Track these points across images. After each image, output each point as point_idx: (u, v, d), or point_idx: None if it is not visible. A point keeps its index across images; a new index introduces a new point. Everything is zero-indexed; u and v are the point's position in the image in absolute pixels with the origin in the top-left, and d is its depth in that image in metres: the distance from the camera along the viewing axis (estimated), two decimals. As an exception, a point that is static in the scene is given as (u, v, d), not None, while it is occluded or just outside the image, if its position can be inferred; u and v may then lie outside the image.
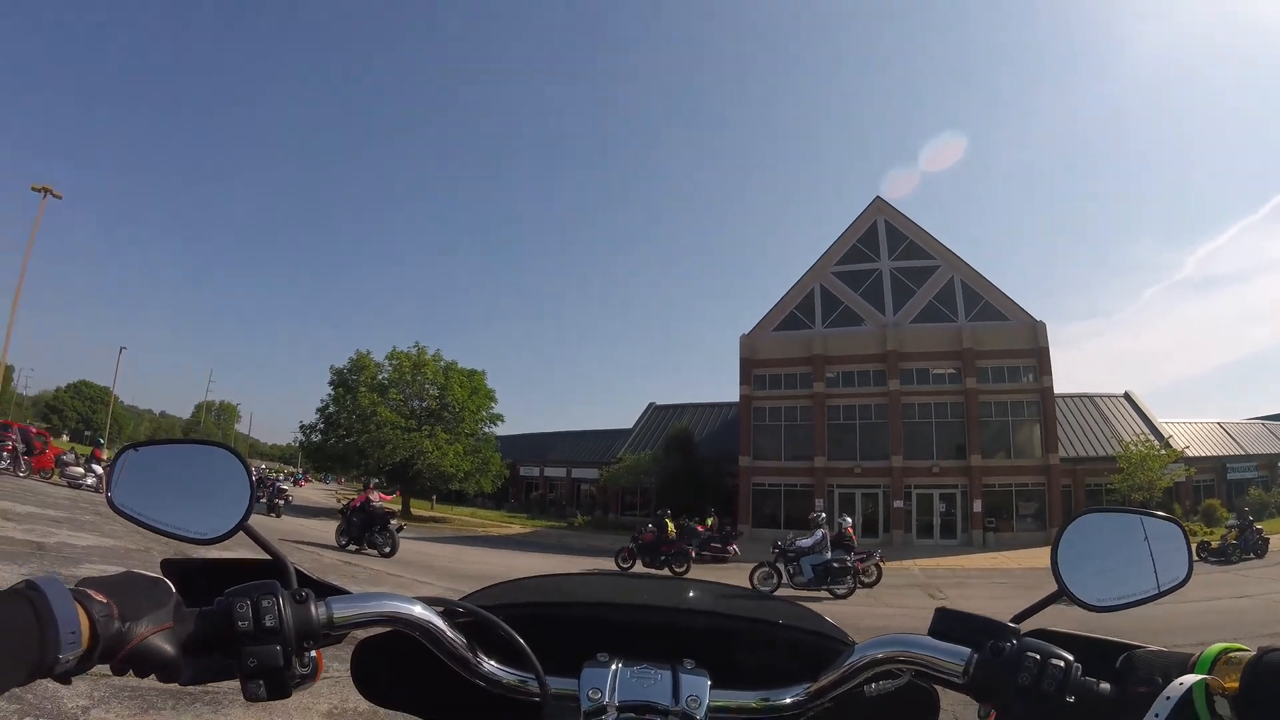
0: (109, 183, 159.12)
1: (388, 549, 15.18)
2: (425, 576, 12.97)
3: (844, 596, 14.16)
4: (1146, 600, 0.82)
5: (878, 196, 38.09)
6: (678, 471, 34.51)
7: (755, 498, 34.42)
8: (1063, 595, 0.82)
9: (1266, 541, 20.65)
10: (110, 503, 0.82)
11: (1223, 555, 20.01)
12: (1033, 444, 33.79)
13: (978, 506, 32.31)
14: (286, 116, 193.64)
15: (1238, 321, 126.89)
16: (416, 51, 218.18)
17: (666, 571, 17.16)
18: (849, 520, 16.89)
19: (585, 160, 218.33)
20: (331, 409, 34.58)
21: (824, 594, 14.23)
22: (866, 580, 15.37)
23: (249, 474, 0.85)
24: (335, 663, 0.87)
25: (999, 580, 18.31)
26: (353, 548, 15.59)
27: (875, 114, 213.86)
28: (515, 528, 33.65)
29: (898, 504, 32.91)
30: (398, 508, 21.39)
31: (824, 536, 15.11)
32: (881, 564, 15.96)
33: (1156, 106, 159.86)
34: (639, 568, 17.77)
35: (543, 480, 45.44)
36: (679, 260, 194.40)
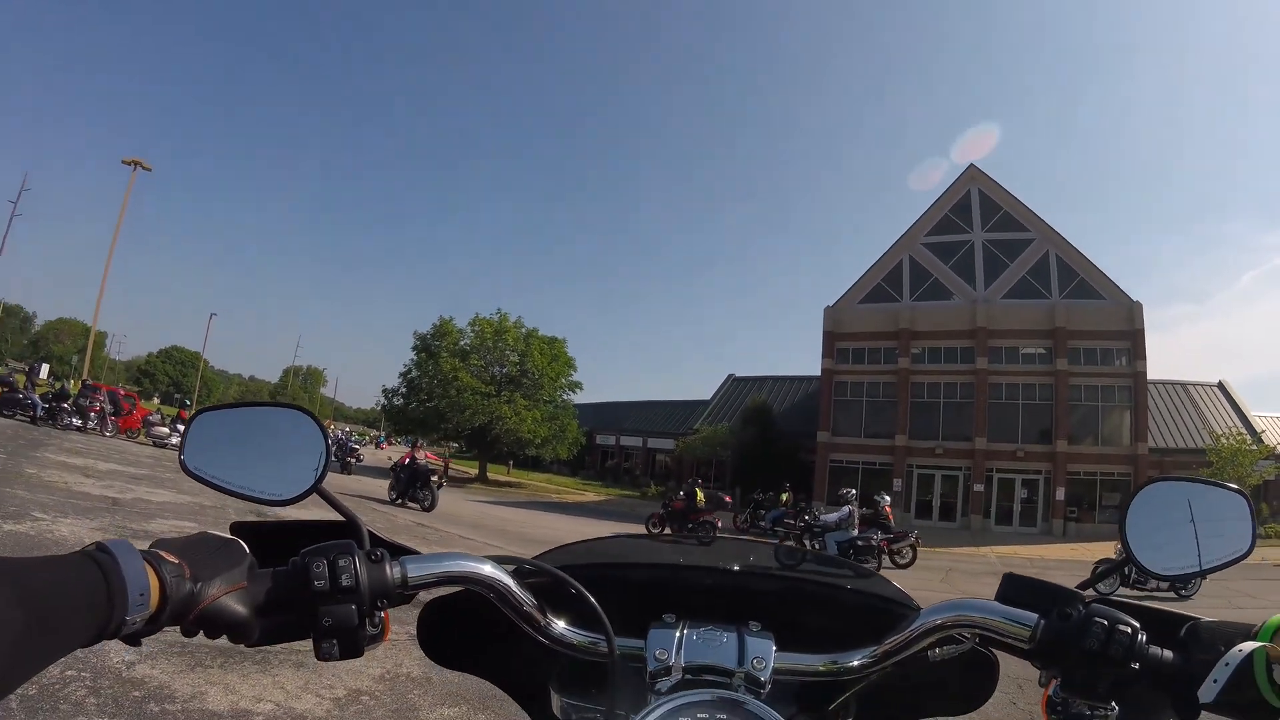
0: (200, 159, 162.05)
1: (427, 504, 16.41)
2: (496, 540, 12.99)
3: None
4: (1210, 570, 0.81)
5: (972, 164, 36.34)
6: (754, 445, 34.44)
7: (832, 475, 34.05)
8: (1130, 563, 0.82)
9: None
10: (183, 465, 0.80)
11: None
12: (1121, 432, 32.49)
13: (1060, 494, 31.37)
14: (377, 86, 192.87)
15: None
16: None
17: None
18: (887, 499, 16.84)
19: (670, 122, 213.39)
20: (414, 373, 35.22)
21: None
22: (901, 561, 15.46)
23: (324, 435, 0.83)
24: (395, 625, 0.84)
25: (1079, 574, 17.70)
26: (400, 502, 16.99)
27: (969, 81, 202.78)
28: (589, 495, 34.21)
29: (977, 487, 32.22)
30: (440, 465, 22.06)
31: (850, 513, 15.33)
32: (918, 544, 15.98)
33: (1251, 74, 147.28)
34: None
35: (619, 449, 45.87)
36: (765, 229, 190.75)
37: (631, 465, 43.81)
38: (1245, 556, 0.83)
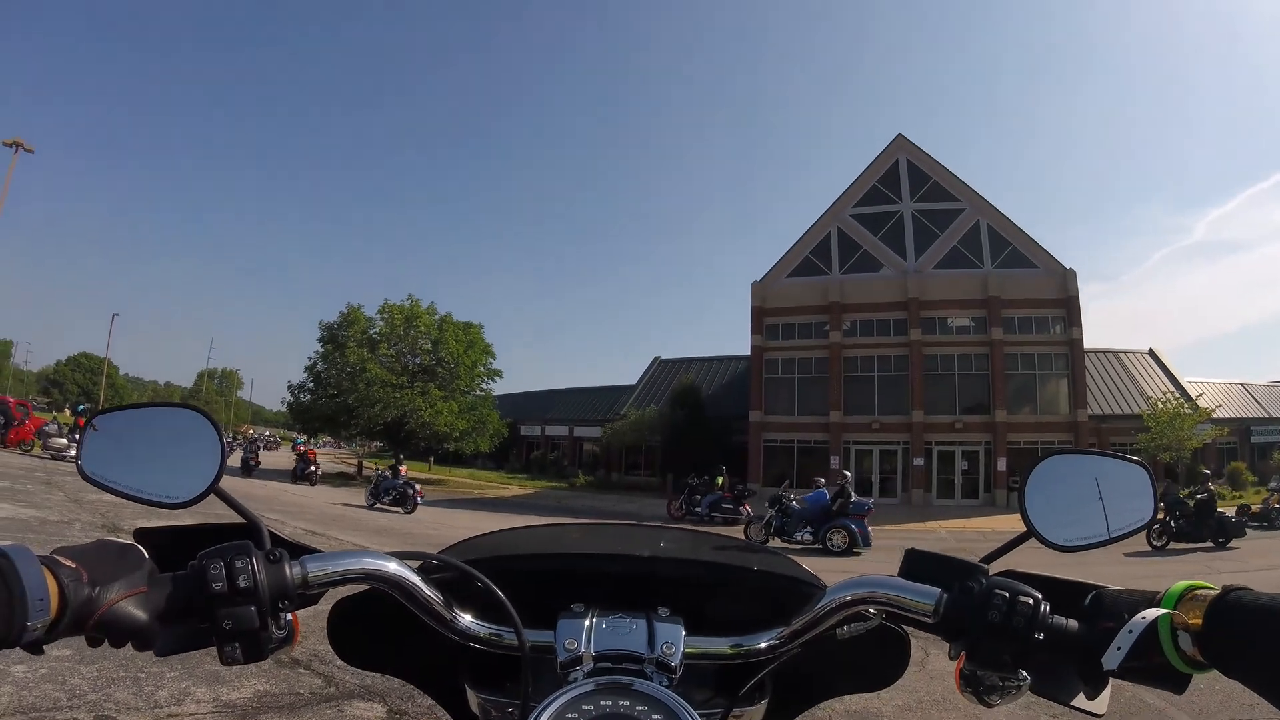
0: (85, 151, 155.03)
1: (404, 509, 18.74)
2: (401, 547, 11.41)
3: (840, 553, 14.17)
4: (1111, 541, 0.83)
5: (899, 134, 35.37)
6: (684, 428, 32.80)
7: (766, 455, 32.61)
8: (1030, 535, 0.82)
9: None
10: (80, 471, 0.80)
11: (1266, 520, 18.30)
12: (1059, 399, 31.90)
13: (1002, 465, 30.49)
14: (279, 72, 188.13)
15: (1248, 287, 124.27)
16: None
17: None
18: (849, 476, 16.41)
19: (590, 102, 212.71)
20: (320, 367, 32.76)
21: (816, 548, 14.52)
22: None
23: (219, 435, 0.83)
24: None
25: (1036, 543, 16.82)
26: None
27: (895, 59, 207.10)
28: (514, 489, 32.13)
29: (918, 461, 31.10)
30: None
31: (824, 496, 15.20)
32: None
33: (1160, 70, 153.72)
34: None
35: (544, 439, 43.86)
36: (689, 207, 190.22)
37: (559, 455, 41.70)
38: (1149, 525, 0.84)
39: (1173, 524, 15.02)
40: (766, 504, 16.37)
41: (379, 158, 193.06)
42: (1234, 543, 14.52)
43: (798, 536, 15.04)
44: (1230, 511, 16.20)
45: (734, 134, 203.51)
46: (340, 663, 0.95)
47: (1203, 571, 10.58)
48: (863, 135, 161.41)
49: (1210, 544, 14.72)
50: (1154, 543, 14.77)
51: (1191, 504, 15.20)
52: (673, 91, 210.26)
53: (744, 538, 15.09)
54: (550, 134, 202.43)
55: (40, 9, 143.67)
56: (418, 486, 19.64)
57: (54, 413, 45.05)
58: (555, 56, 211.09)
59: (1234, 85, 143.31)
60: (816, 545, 14.66)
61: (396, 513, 18.48)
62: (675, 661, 0.77)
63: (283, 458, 44.07)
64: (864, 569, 11.72)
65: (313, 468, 25.59)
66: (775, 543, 15.03)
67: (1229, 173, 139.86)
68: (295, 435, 38.27)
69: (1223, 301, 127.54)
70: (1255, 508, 18.54)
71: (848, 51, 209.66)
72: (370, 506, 19.20)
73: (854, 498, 15.05)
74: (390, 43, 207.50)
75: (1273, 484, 19.06)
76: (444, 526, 15.33)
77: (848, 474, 17.00)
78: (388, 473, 20.33)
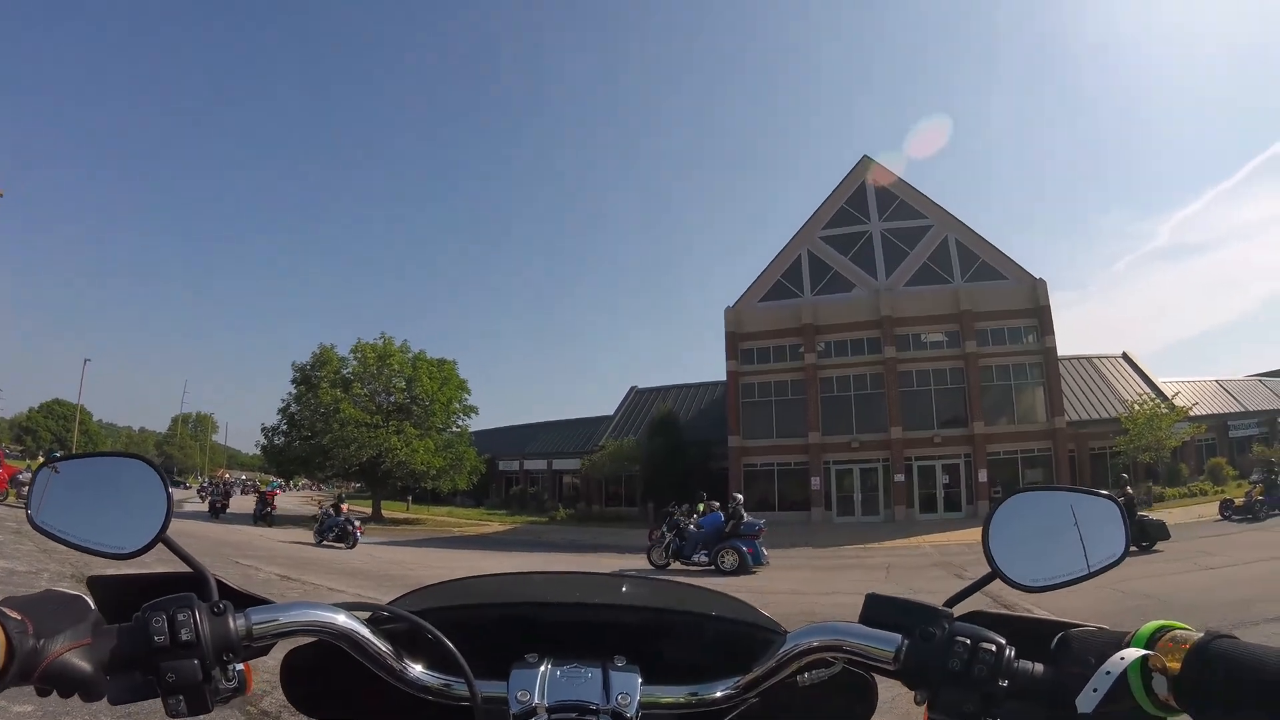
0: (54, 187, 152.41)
1: (345, 545, 19.55)
2: (373, 592, 11.27)
3: (732, 573, 14.11)
4: (1081, 579, 0.80)
5: (865, 155, 35.91)
6: (663, 456, 32.52)
7: (747, 479, 32.33)
8: (995, 576, 0.80)
9: None
10: (31, 521, 0.81)
11: (1249, 513, 18.48)
12: (1036, 408, 32.05)
13: (983, 476, 30.44)
14: (241, 110, 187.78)
15: (1214, 287, 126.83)
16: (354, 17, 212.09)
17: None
18: (740, 498, 16.29)
19: (552, 125, 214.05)
20: (293, 408, 32.47)
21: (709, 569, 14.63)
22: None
23: (165, 485, 0.83)
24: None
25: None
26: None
27: (862, 84, 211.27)
28: (494, 525, 31.63)
29: (898, 478, 30.92)
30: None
31: (719, 518, 15.43)
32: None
33: (1117, 75, 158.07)
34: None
35: (523, 474, 43.33)
36: (659, 236, 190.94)
37: (538, 490, 41.15)
38: (1119, 562, 0.81)
39: None
40: (664, 527, 16.40)
41: (348, 195, 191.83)
42: (1159, 545, 14.09)
43: (695, 558, 15.03)
44: (1154, 515, 15.87)
45: (705, 160, 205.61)
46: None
47: (1114, 579, 10.31)
48: (829, 158, 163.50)
49: (1134, 549, 14.26)
50: None
51: None
52: (643, 118, 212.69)
53: (649, 564, 15.65)
54: (516, 161, 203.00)
55: None
56: (357, 523, 20.91)
57: (27, 460, 44.44)
58: (530, 81, 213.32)
59: (1190, 87, 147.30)
60: (711, 566, 14.65)
61: (339, 548, 19.26)
62: (631, 712, 0.76)
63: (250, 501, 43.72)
64: (753, 585, 12.40)
65: (269, 509, 27.23)
66: (675, 565, 15.37)
67: (1191, 175, 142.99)
68: (271, 479, 37.61)
69: (1191, 303, 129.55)
70: (1239, 501, 18.48)
71: (809, 80, 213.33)
72: (318, 543, 19.99)
73: (745, 518, 15.06)
74: (364, 69, 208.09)
75: (1254, 476, 19.10)
76: (371, 559, 16.00)
77: (739, 495, 16.80)
78: (331, 510, 21.27)
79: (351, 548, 19.34)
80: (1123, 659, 0.63)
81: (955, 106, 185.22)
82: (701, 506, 21.71)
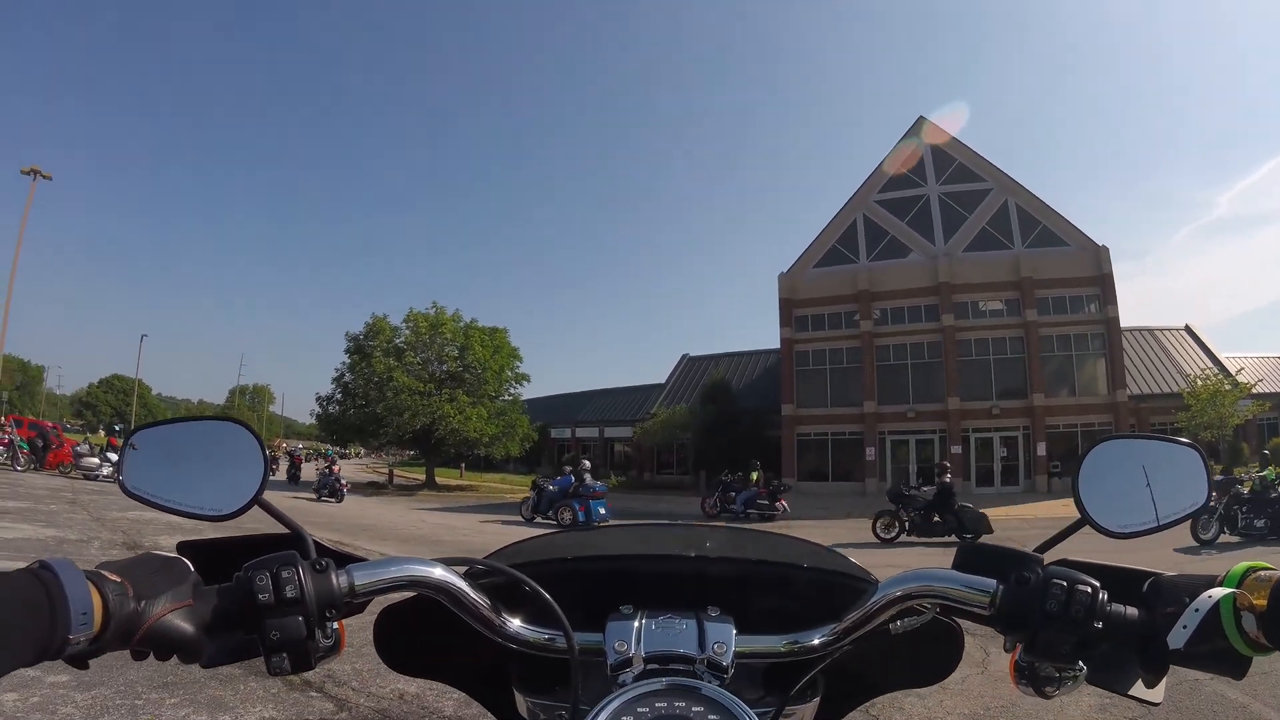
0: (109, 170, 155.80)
1: (335, 499, 22.47)
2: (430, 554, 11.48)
3: (570, 528, 15.85)
4: (1168, 525, 0.81)
5: (921, 116, 34.69)
6: (715, 424, 32.34)
7: (800, 449, 32.21)
8: (1086, 523, 0.81)
9: None
10: (122, 487, 0.81)
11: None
12: (1097, 380, 31.21)
13: (1042, 450, 29.97)
14: (286, 74, 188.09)
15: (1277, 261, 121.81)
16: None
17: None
18: (586, 464, 18.71)
19: (604, 92, 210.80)
20: (348, 377, 32.78)
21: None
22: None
23: (262, 447, 0.83)
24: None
25: (1088, 532, 16.08)
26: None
27: (913, 43, 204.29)
28: (548, 492, 31.88)
29: (955, 449, 30.37)
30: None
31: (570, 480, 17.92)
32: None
33: (1173, 40, 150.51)
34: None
35: (575, 442, 43.40)
36: (711, 199, 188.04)
37: (590, 457, 41.30)
38: (1203, 508, 0.82)
39: (906, 519, 13.99)
40: (715, 496, 19.16)
41: (391, 163, 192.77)
42: (984, 538, 13.30)
43: (550, 515, 17.56)
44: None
45: (756, 124, 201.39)
46: (354, 684, 0.96)
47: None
48: (884, 119, 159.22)
49: (953, 537, 13.34)
50: (881, 535, 13.93)
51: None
52: (697, 87, 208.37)
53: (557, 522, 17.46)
54: (563, 129, 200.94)
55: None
56: (345, 481, 23.65)
57: (85, 434, 45.57)
58: (571, 54, 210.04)
59: (1254, 56, 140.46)
60: (554, 521, 17.20)
61: (331, 503, 21.98)
62: (727, 661, 0.77)
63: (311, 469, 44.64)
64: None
65: (297, 471, 31.00)
66: (537, 519, 17.82)
67: (1254, 143, 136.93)
68: (327, 447, 38.16)
69: (1255, 276, 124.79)
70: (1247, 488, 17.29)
71: (869, 39, 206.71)
72: (318, 499, 22.56)
73: (586, 482, 17.81)
74: (402, 46, 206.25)
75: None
76: (424, 524, 16.41)
77: (586, 462, 19.11)
78: (327, 471, 23.81)
79: (340, 502, 22.22)
80: (1211, 597, 0.64)
81: (1014, 64, 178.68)
82: (755, 475, 21.81)
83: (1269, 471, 13.19)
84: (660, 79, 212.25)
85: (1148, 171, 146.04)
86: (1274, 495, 12.67)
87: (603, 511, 17.51)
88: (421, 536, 13.78)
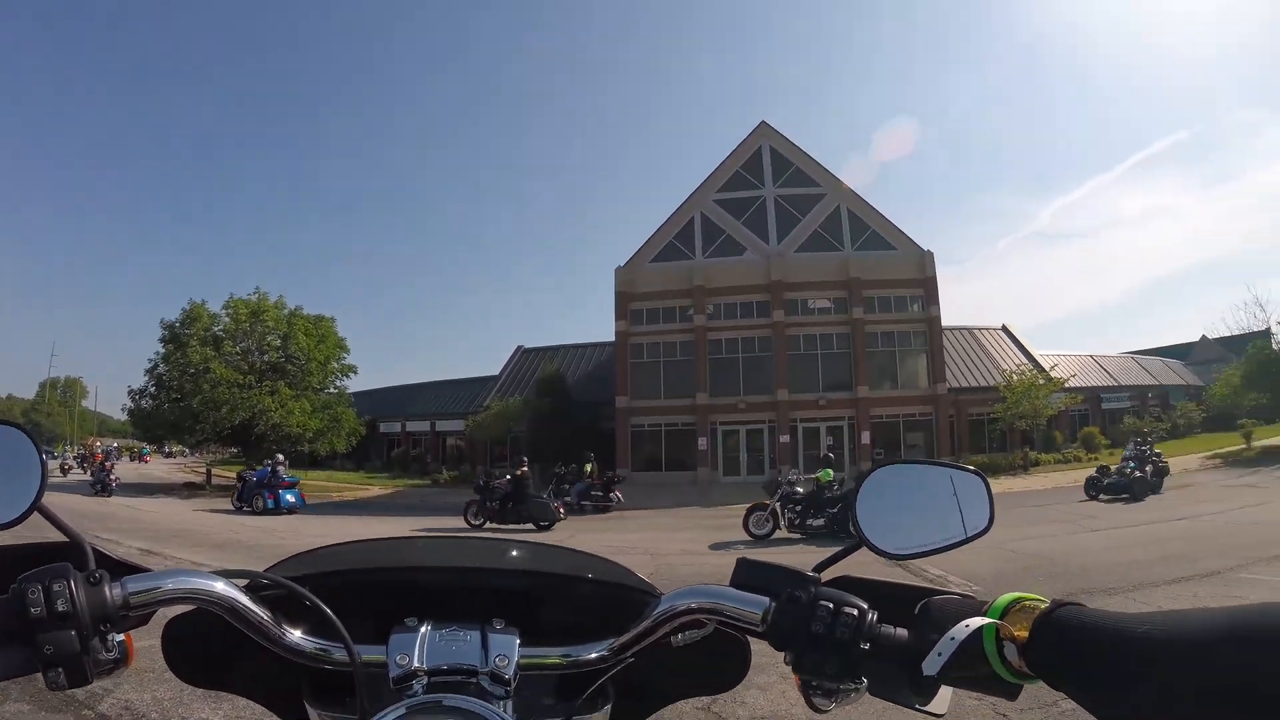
0: None
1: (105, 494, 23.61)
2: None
3: (263, 512, 19.22)
4: (945, 549, 0.83)
5: (763, 121, 35.99)
6: (550, 417, 31.99)
7: (634, 440, 32.30)
8: (861, 545, 0.83)
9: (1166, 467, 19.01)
10: None
11: (1128, 491, 17.32)
12: (919, 374, 33.08)
13: (866, 438, 31.33)
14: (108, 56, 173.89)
15: (1088, 272, 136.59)
16: None
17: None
18: (280, 458, 20.90)
19: (429, 70, 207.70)
20: (161, 369, 30.60)
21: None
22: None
23: (38, 451, 0.81)
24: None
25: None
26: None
27: (759, 52, 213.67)
28: (374, 489, 30.63)
29: (783, 439, 31.35)
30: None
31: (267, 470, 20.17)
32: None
33: (1023, 66, 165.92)
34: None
35: (405, 436, 42.17)
36: (545, 192, 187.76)
37: (420, 452, 40.15)
38: (984, 533, 0.83)
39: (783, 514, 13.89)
40: (549, 489, 18.77)
41: (223, 145, 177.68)
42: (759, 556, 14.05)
43: (255, 503, 19.49)
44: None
45: (601, 120, 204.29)
46: (154, 715, 0.70)
47: (1007, 542, 10.23)
48: (724, 123, 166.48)
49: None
50: (753, 531, 13.54)
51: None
52: (539, 85, 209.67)
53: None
54: (395, 117, 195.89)
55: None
56: (115, 477, 24.96)
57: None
58: (412, 41, 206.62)
59: (1079, 80, 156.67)
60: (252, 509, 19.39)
61: (103, 498, 22.88)
62: (509, 673, 0.77)
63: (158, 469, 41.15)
64: (268, 523, 16.46)
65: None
66: (244, 509, 19.74)
67: (1074, 164, 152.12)
68: (143, 446, 35.81)
69: (1068, 284, 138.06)
70: (1112, 468, 18.35)
71: (713, 48, 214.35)
72: (96, 494, 23.43)
73: (279, 473, 20.04)
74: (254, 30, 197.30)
75: (1127, 452, 18.63)
76: (242, 529, 15.71)
77: (280, 455, 21.22)
78: (100, 467, 25.48)
79: (107, 496, 23.08)
80: (967, 626, 0.64)
81: (853, 76, 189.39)
82: (589, 467, 21.60)
83: (823, 474, 13.94)
84: (504, 76, 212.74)
85: (978, 184, 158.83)
86: (828, 496, 13.34)
87: (291, 499, 19.75)
88: (239, 542, 13.05)
